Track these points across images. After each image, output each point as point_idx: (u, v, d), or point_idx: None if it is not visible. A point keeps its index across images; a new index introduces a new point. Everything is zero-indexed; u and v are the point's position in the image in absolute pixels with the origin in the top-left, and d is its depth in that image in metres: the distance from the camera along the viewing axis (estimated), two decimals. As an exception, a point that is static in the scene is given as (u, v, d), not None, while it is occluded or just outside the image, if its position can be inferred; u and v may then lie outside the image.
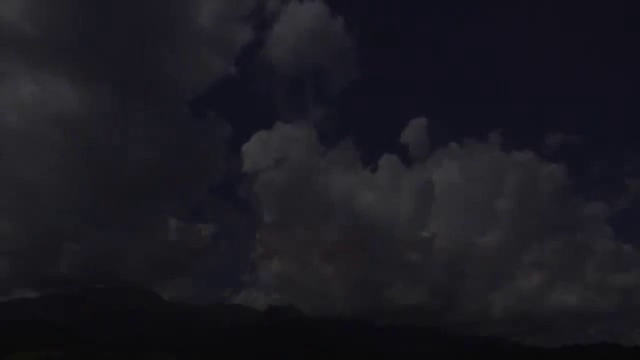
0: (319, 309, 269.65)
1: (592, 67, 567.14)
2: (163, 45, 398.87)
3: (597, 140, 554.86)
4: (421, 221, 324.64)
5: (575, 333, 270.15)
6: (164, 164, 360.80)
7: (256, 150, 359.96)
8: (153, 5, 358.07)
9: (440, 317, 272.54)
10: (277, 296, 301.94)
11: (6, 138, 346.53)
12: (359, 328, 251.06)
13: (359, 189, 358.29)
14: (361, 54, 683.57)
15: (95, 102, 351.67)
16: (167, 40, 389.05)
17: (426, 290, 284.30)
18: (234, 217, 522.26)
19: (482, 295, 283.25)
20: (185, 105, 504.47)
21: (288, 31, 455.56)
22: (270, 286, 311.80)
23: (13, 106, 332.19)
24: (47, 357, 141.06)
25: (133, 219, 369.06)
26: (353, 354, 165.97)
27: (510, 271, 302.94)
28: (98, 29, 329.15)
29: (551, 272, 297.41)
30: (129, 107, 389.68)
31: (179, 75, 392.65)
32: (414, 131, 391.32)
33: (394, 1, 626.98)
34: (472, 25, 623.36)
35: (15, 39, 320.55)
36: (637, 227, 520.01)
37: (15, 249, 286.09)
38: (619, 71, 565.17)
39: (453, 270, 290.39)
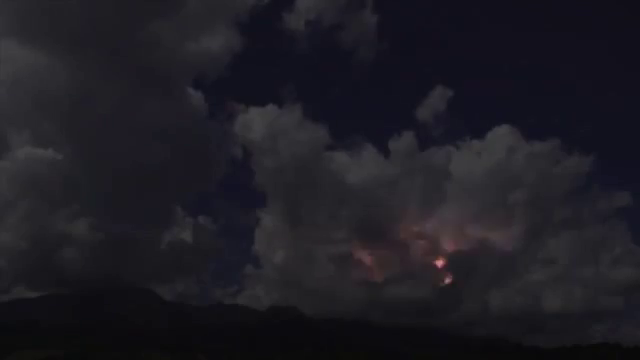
0: (320, 309, 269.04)
1: (623, 57, 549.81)
2: (164, 20, 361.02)
3: (625, 132, 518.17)
4: (428, 215, 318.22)
5: (575, 333, 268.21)
6: (164, 158, 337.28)
7: (263, 141, 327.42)
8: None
9: (441, 317, 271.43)
10: (279, 296, 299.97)
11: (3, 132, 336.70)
12: (360, 328, 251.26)
13: (368, 180, 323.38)
14: (384, 32, 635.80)
15: (91, 87, 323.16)
16: (166, 16, 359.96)
17: (429, 289, 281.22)
18: (237, 214, 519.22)
19: (485, 294, 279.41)
20: (188, 88, 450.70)
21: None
22: (272, 286, 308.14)
23: (9, 97, 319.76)
24: (47, 357, 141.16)
25: (133, 217, 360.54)
26: (354, 354, 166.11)
27: (516, 269, 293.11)
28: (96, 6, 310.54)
29: (555, 270, 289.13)
30: (127, 93, 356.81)
31: (181, 54, 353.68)
32: (432, 110, 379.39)
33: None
34: (499, 11, 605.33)
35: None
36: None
37: (15, 249, 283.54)
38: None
39: (457, 268, 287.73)
